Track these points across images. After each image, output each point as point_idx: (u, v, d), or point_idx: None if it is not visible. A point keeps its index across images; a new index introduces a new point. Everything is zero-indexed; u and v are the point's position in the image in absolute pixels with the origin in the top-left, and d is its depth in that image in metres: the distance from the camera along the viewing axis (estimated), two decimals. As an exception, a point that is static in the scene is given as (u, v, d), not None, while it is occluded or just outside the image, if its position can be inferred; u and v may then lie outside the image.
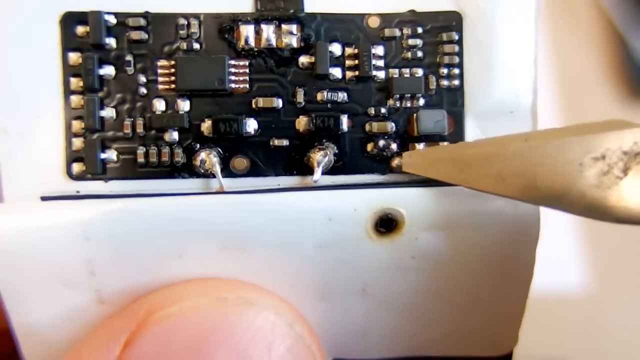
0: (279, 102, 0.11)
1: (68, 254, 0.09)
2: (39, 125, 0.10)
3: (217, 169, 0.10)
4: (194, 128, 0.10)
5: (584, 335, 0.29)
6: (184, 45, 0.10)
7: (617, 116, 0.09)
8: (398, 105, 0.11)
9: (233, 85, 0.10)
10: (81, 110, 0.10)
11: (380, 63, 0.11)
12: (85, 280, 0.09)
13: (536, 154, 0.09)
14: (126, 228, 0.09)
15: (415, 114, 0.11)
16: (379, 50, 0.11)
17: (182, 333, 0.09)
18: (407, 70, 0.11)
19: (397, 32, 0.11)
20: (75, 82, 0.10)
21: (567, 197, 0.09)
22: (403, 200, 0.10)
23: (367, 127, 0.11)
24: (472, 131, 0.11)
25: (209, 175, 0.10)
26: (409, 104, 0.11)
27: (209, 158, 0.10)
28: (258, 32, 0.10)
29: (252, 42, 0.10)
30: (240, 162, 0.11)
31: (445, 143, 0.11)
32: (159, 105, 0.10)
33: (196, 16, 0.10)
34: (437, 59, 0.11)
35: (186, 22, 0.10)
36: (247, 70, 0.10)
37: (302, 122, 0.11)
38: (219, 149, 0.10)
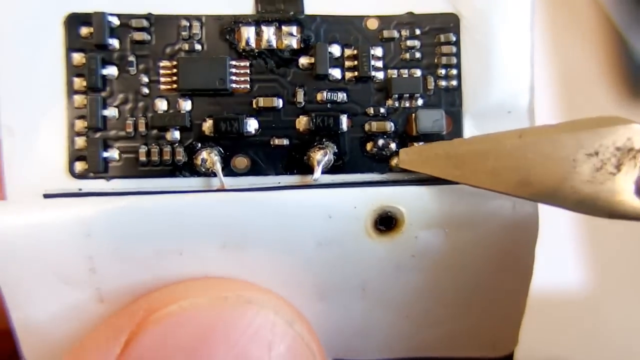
0: (279, 102, 0.11)
1: (69, 250, 0.09)
2: (43, 124, 0.10)
3: (218, 167, 0.10)
4: (195, 127, 0.11)
5: (584, 335, 0.29)
6: (186, 46, 0.11)
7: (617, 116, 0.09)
8: (397, 105, 0.11)
9: (234, 85, 0.11)
10: (84, 110, 0.10)
11: (379, 64, 0.11)
12: (85, 278, 0.10)
13: (530, 150, 0.09)
14: (127, 225, 0.10)
15: (413, 114, 0.11)
16: (377, 51, 0.11)
17: (182, 332, 0.09)
18: (406, 71, 0.11)
19: (396, 34, 0.11)
20: (79, 82, 0.10)
21: (561, 193, 0.09)
22: (403, 199, 0.10)
23: (367, 127, 0.11)
24: (470, 131, 0.11)
25: (210, 174, 0.11)
26: (407, 104, 0.11)
27: (210, 157, 0.10)
28: (259, 34, 0.11)
29: (252, 43, 0.11)
30: (241, 161, 0.11)
31: (443, 142, 0.11)
32: (161, 104, 0.11)
33: (198, 18, 0.11)
34: (435, 60, 0.11)
35: (188, 24, 0.11)
36: (248, 71, 0.11)
37: (302, 122, 0.11)
38: (220, 148, 0.11)
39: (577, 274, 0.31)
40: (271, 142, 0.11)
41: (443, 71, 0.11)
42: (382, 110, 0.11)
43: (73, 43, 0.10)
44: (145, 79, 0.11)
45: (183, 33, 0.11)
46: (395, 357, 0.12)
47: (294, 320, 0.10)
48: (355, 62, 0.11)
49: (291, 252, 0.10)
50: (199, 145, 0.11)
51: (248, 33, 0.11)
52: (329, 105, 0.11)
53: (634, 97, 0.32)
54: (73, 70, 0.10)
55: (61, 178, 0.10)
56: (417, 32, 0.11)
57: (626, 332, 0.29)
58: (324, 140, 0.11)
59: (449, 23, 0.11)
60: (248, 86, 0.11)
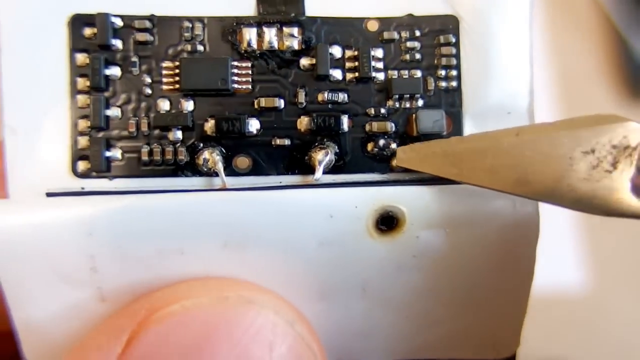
0: (280, 103, 0.11)
1: (71, 249, 0.10)
2: (46, 123, 0.10)
3: (220, 166, 0.10)
4: (198, 127, 0.11)
5: (584, 335, 0.29)
6: (188, 47, 0.11)
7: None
8: (397, 105, 0.11)
9: (236, 86, 0.11)
10: (87, 110, 0.11)
11: (380, 65, 0.11)
12: (87, 277, 0.10)
13: (527, 148, 0.09)
14: (129, 224, 0.10)
15: (414, 114, 0.11)
16: (378, 52, 0.11)
17: (183, 332, 0.09)
18: (406, 72, 0.11)
19: (396, 35, 0.11)
20: (82, 82, 0.11)
21: (558, 191, 0.09)
22: (404, 198, 0.10)
23: (367, 127, 0.11)
24: (470, 131, 0.12)
25: (212, 173, 0.11)
26: (408, 105, 0.11)
27: (211, 157, 0.11)
28: (260, 35, 0.11)
29: (254, 45, 0.11)
30: (242, 161, 0.11)
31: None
32: (163, 105, 0.11)
33: (200, 19, 0.11)
34: (435, 61, 0.12)
35: (190, 25, 0.11)
36: (250, 72, 0.11)
37: (303, 122, 0.11)
38: (222, 148, 0.11)
39: (577, 273, 0.31)
40: (273, 142, 0.11)
41: (443, 72, 0.12)
42: (382, 110, 0.11)
43: (77, 43, 0.11)
44: (148, 80, 0.11)
45: (185, 34, 0.11)
46: (396, 359, 0.12)
47: (294, 320, 0.10)
48: (356, 63, 0.11)
49: (292, 251, 0.10)
50: (201, 145, 0.11)
51: (250, 34, 0.11)
52: (330, 106, 0.11)
53: (634, 97, 0.33)
54: (76, 71, 0.11)
55: (64, 177, 0.10)
56: (417, 33, 0.12)
57: (627, 331, 0.30)
58: (325, 140, 0.11)
59: (448, 25, 0.12)
60: (250, 87, 0.11)
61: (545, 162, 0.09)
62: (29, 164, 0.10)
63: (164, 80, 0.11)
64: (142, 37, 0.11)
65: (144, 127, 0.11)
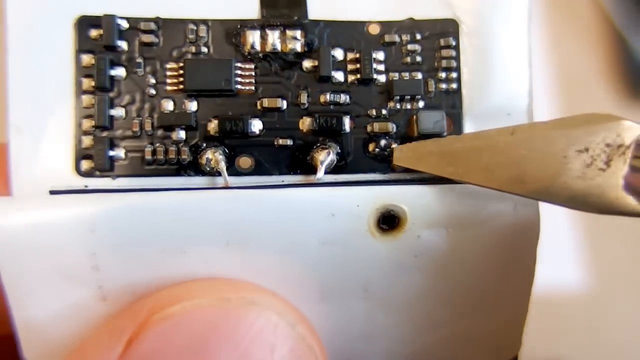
0: (283, 103, 0.12)
1: (73, 246, 0.10)
2: (51, 123, 0.11)
3: (222, 165, 0.11)
4: (201, 127, 0.11)
5: (584, 335, 0.30)
6: (193, 49, 0.11)
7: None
8: (398, 107, 0.12)
9: (239, 87, 0.11)
10: (92, 110, 0.11)
11: (381, 67, 0.12)
12: (88, 275, 0.10)
13: (522, 146, 0.10)
14: (131, 221, 0.10)
15: (415, 115, 0.12)
16: (379, 55, 0.12)
17: (184, 333, 0.10)
18: (407, 74, 0.12)
19: (397, 38, 0.12)
20: (87, 82, 0.11)
21: (553, 189, 0.09)
22: (405, 197, 0.11)
23: (369, 128, 0.12)
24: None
25: (215, 173, 0.11)
26: (409, 106, 0.12)
27: (214, 156, 0.11)
28: (264, 37, 0.12)
29: (257, 47, 0.12)
30: (245, 161, 0.11)
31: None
32: (167, 105, 0.11)
33: (205, 22, 0.12)
34: (435, 64, 0.12)
35: (195, 28, 0.12)
36: (253, 73, 0.12)
37: (305, 123, 0.12)
38: (225, 148, 0.11)
39: (577, 273, 0.31)
40: (275, 143, 0.12)
41: (443, 74, 0.12)
42: (384, 111, 0.12)
43: (83, 45, 0.11)
44: (153, 80, 0.11)
45: (190, 36, 0.12)
46: None
47: (296, 322, 0.10)
48: (358, 65, 0.12)
49: (294, 250, 0.11)
50: (204, 145, 0.11)
51: (253, 37, 0.12)
52: (332, 107, 0.12)
53: (634, 97, 0.33)
54: (82, 71, 0.11)
55: (67, 176, 0.11)
56: (418, 36, 0.12)
57: (627, 331, 0.30)
58: (327, 140, 0.12)
59: (448, 28, 0.12)
60: (253, 88, 0.12)
61: (540, 161, 0.10)
62: (33, 163, 0.11)
63: (168, 81, 0.11)
64: (147, 38, 0.11)
65: (148, 127, 0.11)
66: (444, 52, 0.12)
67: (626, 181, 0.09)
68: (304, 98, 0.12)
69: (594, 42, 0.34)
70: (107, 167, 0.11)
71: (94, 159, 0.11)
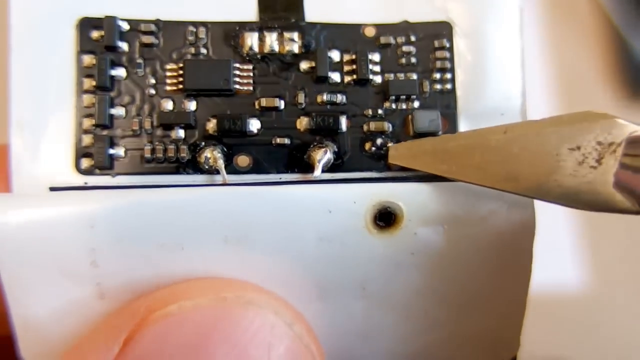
0: (281, 103, 0.12)
1: (73, 241, 0.10)
2: (52, 122, 0.11)
3: (221, 163, 0.11)
4: (200, 126, 0.12)
5: (584, 335, 0.30)
6: (192, 50, 0.12)
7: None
8: (394, 107, 0.12)
9: (237, 87, 0.12)
10: (92, 109, 0.11)
11: (377, 68, 0.12)
12: (87, 272, 0.10)
13: (515, 145, 0.10)
14: (130, 217, 0.10)
15: (410, 115, 0.12)
16: (375, 56, 0.12)
17: (181, 332, 0.10)
18: (402, 75, 0.12)
19: (392, 40, 0.13)
20: (88, 82, 0.12)
21: (545, 186, 0.10)
22: (402, 194, 0.11)
23: (365, 127, 0.12)
24: (465, 132, 0.13)
25: (213, 171, 0.12)
26: (404, 106, 0.12)
27: (213, 154, 0.11)
28: (262, 39, 0.12)
29: (256, 48, 0.12)
30: (243, 160, 0.12)
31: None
32: (167, 104, 0.12)
33: (204, 24, 0.12)
34: (430, 65, 0.13)
35: (194, 30, 0.12)
36: (251, 74, 0.12)
37: (303, 122, 0.12)
38: (223, 147, 0.12)
39: (577, 272, 0.31)
40: (273, 142, 0.12)
41: (438, 75, 0.13)
42: (380, 111, 0.12)
43: (84, 45, 0.12)
44: (152, 80, 0.12)
45: (189, 38, 0.12)
46: None
47: (293, 321, 0.11)
48: (354, 67, 0.12)
49: (292, 247, 0.11)
50: (203, 143, 0.12)
51: (252, 38, 0.12)
52: (328, 107, 0.12)
53: (634, 97, 0.34)
54: (83, 71, 0.12)
55: (67, 174, 0.11)
56: (412, 38, 0.13)
57: (627, 331, 0.30)
58: (324, 139, 0.12)
59: (442, 30, 0.13)
60: (251, 88, 0.12)
61: (533, 159, 0.10)
62: (34, 160, 0.11)
63: (168, 81, 0.12)
64: (147, 39, 0.12)
65: (148, 126, 0.12)
66: (438, 54, 0.13)
67: (616, 178, 0.10)
68: (301, 98, 0.12)
69: (594, 42, 0.35)
70: (107, 165, 0.11)
71: (94, 157, 0.11)
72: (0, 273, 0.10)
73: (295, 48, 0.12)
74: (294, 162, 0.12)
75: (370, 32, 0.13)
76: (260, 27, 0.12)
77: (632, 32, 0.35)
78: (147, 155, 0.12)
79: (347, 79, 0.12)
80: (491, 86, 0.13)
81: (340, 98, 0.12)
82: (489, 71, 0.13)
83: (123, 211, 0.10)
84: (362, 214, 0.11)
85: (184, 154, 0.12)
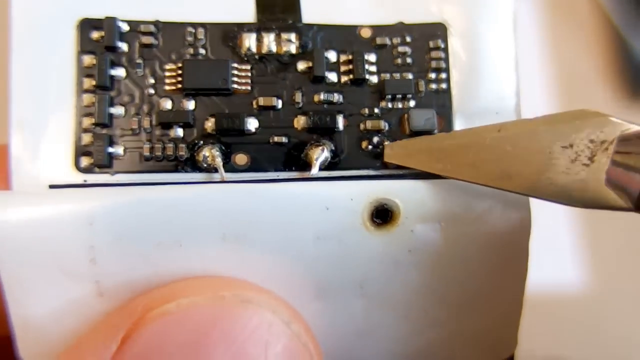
0: (278, 102, 0.12)
1: (72, 239, 0.10)
2: (52, 121, 0.12)
3: (219, 160, 0.12)
4: (198, 125, 0.12)
5: (584, 334, 0.30)
6: (191, 51, 0.12)
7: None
8: (390, 106, 0.13)
9: (235, 86, 0.12)
10: (92, 108, 0.12)
11: (373, 68, 0.13)
12: (86, 269, 0.11)
13: (509, 143, 0.10)
14: (129, 214, 0.11)
15: (406, 114, 0.13)
16: (371, 57, 0.13)
17: (179, 330, 0.10)
18: (398, 75, 0.13)
19: (388, 41, 0.13)
20: (88, 82, 0.12)
21: (538, 184, 0.10)
22: (398, 192, 0.12)
23: (362, 126, 0.13)
24: (460, 131, 0.13)
25: (212, 169, 0.12)
26: (400, 105, 0.13)
27: (211, 152, 0.12)
28: (259, 40, 0.13)
29: (254, 49, 0.13)
30: (241, 158, 0.12)
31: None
32: (166, 104, 0.12)
33: (203, 25, 0.13)
34: (425, 65, 0.13)
35: (193, 31, 0.12)
36: (249, 74, 0.12)
37: (300, 121, 0.12)
38: (222, 146, 0.12)
39: (576, 272, 0.32)
40: (270, 140, 0.12)
41: (433, 75, 0.13)
42: (376, 110, 0.13)
43: (84, 46, 0.12)
44: (152, 80, 0.12)
45: (188, 38, 0.12)
46: None
47: (291, 320, 0.11)
48: (350, 67, 0.13)
49: (290, 244, 0.11)
50: (201, 142, 0.12)
51: (249, 39, 0.13)
52: (325, 106, 0.13)
53: (634, 97, 0.34)
54: (83, 71, 0.12)
55: (67, 172, 0.11)
56: (408, 39, 0.13)
57: (627, 330, 0.30)
58: (321, 138, 0.12)
59: (437, 31, 0.13)
60: (249, 87, 0.12)
61: (526, 157, 0.10)
62: (34, 159, 0.11)
63: (167, 80, 0.12)
64: (147, 40, 0.12)
65: (147, 125, 0.12)
66: (433, 54, 0.13)
67: (608, 176, 0.10)
68: (298, 97, 0.13)
69: (594, 42, 0.35)
70: (106, 164, 0.12)
71: (94, 155, 0.12)
72: (-1, 270, 0.11)
73: (293, 49, 0.13)
74: (291, 160, 0.12)
75: (366, 33, 0.13)
76: (258, 28, 0.13)
77: (632, 32, 0.35)
78: (146, 153, 0.12)
79: (344, 78, 0.13)
80: (486, 85, 0.13)
81: (337, 97, 0.13)
82: (483, 71, 0.13)
83: (122, 208, 0.11)
84: (359, 211, 0.12)
85: (183, 152, 0.12)
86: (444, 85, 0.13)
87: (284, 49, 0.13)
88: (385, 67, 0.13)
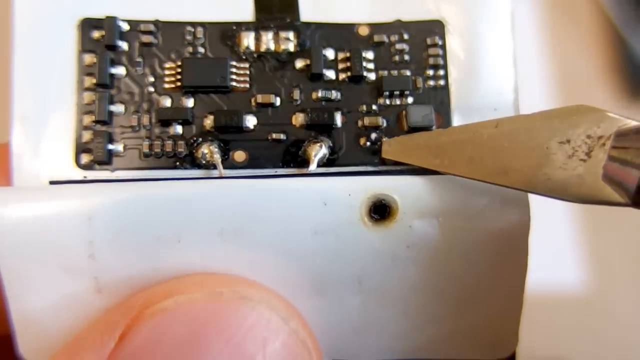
0: (276, 99, 0.13)
1: (71, 234, 0.11)
2: (53, 118, 0.12)
3: (218, 157, 0.12)
4: (197, 122, 0.12)
5: (584, 335, 0.30)
6: (190, 49, 0.13)
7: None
8: (388, 102, 0.13)
9: (234, 84, 0.13)
10: (92, 106, 0.12)
11: (371, 66, 0.13)
12: (85, 265, 0.11)
13: (506, 139, 0.11)
14: (128, 209, 0.11)
15: (404, 110, 0.13)
16: (369, 54, 0.13)
17: (177, 327, 0.10)
18: (396, 72, 0.13)
19: (385, 39, 0.13)
20: (89, 80, 0.12)
21: (535, 179, 0.10)
22: (396, 187, 0.12)
23: (360, 123, 0.13)
24: (459, 127, 0.14)
25: (210, 166, 0.12)
26: (398, 102, 0.13)
27: (210, 149, 0.12)
28: (258, 39, 0.13)
29: (252, 47, 0.13)
30: (239, 155, 0.13)
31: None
32: (165, 101, 0.12)
33: (202, 24, 0.13)
34: (423, 62, 0.13)
35: (192, 30, 0.13)
36: (248, 72, 0.13)
37: (298, 118, 0.13)
38: (220, 143, 0.12)
39: (576, 272, 0.32)
40: (269, 137, 0.13)
41: (431, 72, 0.13)
42: (374, 107, 0.13)
43: (85, 45, 0.12)
44: (151, 78, 0.13)
45: (187, 37, 0.13)
46: (394, 358, 0.13)
47: (289, 316, 0.11)
48: (348, 64, 0.13)
49: (288, 240, 0.11)
50: (200, 139, 0.12)
51: (248, 38, 0.13)
52: (323, 103, 0.13)
53: (634, 97, 0.35)
54: (84, 70, 0.12)
55: (67, 168, 0.12)
56: (406, 36, 0.13)
57: (627, 330, 0.30)
58: (319, 135, 0.13)
59: (434, 29, 0.13)
60: (247, 85, 0.13)
61: (523, 153, 0.11)
62: (35, 156, 0.12)
63: (166, 79, 0.13)
64: (146, 39, 0.13)
65: (146, 122, 0.12)
66: (431, 51, 0.13)
67: (605, 171, 0.10)
68: (296, 95, 0.13)
69: (594, 42, 0.36)
70: (106, 160, 0.12)
71: (94, 152, 0.12)
72: None
73: (291, 47, 0.13)
74: (289, 157, 0.13)
75: (364, 31, 0.14)
76: (257, 27, 0.13)
77: (632, 32, 0.36)
78: (146, 150, 0.12)
79: (342, 76, 0.13)
80: (483, 82, 0.13)
81: (335, 94, 0.13)
82: (481, 67, 0.13)
83: (121, 204, 0.11)
84: (357, 206, 0.12)
85: (182, 149, 0.12)
86: (441, 82, 0.13)
87: (282, 47, 0.13)
88: (383, 65, 0.13)
